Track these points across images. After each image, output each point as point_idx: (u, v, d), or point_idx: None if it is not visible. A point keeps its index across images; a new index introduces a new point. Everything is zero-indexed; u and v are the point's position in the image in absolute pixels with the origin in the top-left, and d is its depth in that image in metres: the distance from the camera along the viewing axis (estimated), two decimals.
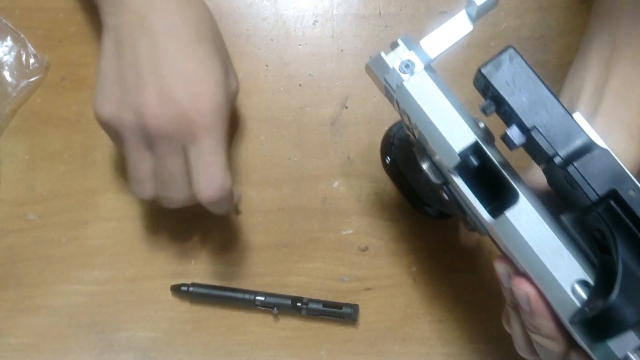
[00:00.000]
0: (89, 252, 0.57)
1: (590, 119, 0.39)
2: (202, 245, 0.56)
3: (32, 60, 0.57)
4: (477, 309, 0.55)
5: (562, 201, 0.35)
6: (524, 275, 0.36)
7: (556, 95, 0.34)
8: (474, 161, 0.36)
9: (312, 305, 0.54)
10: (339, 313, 0.54)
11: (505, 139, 0.34)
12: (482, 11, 0.36)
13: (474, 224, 0.40)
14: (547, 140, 0.33)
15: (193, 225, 0.57)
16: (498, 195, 0.37)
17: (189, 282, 0.56)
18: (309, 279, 0.56)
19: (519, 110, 0.34)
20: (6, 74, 0.57)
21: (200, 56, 0.46)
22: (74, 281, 0.56)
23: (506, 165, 0.36)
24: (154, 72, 0.45)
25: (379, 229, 0.56)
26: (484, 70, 0.34)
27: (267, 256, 0.56)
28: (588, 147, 0.33)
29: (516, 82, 0.34)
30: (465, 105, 0.55)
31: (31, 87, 0.57)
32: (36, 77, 0.57)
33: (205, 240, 0.57)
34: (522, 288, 0.36)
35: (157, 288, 0.56)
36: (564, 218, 0.35)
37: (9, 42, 0.57)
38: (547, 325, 0.35)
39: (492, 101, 0.35)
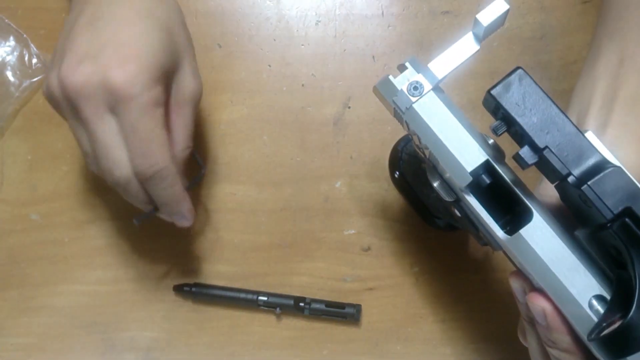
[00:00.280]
0: (91, 252, 0.57)
1: (600, 131, 0.39)
2: (205, 245, 0.56)
3: (34, 60, 0.57)
4: (480, 308, 0.55)
5: (576, 218, 0.36)
6: (539, 290, 0.36)
7: (566, 113, 0.34)
8: (486, 179, 0.37)
9: (314, 305, 0.54)
10: (342, 313, 0.54)
11: (518, 159, 0.34)
12: (489, 31, 0.36)
13: (487, 240, 0.40)
14: (560, 159, 0.33)
15: (196, 225, 0.57)
16: (510, 210, 0.37)
17: (191, 282, 0.56)
18: (311, 279, 0.56)
19: (530, 131, 0.34)
20: (9, 74, 0.57)
21: (142, 30, 0.44)
22: (76, 281, 0.56)
23: (518, 182, 0.36)
24: (84, 36, 0.43)
25: (381, 229, 0.56)
26: (493, 92, 0.34)
27: (270, 256, 0.56)
28: (601, 165, 0.33)
29: (526, 102, 0.34)
30: (468, 106, 0.56)
31: (34, 87, 0.57)
32: (39, 77, 0.57)
33: (208, 240, 0.56)
34: (538, 303, 0.36)
35: (160, 288, 0.56)
36: (578, 234, 0.35)
37: (11, 42, 0.57)
38: (564, 339, 0.35)
39: (503, 122, 0.35)
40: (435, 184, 0.41)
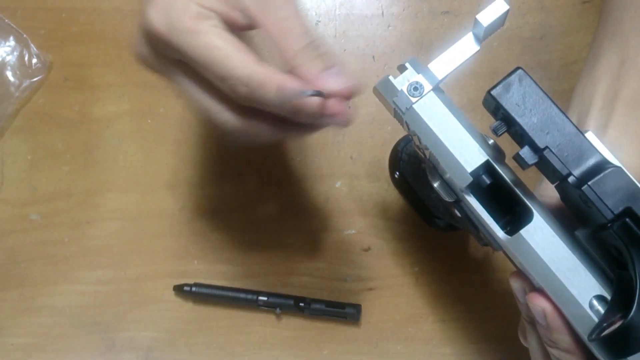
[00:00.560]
0: (91, 252, 0.57)
1: (601, 132, 0.39)
2: (205, 245, 0.56)
3: (34, 60, 0.57)
4: (480, 308, 0.55)
5: (576, 218, 0.36)
6: (540, 291, 0.36)
7: (566, 114, 0.34)
8: (486, 180, 0.37)
9: (314, 305, 0.54)
10: (342, 313, 0.54)
11: (518, 159, 0.34)
12: (489, 32, 0.36)
13: (487, 240, 0.40)
14: (560, 160, 0.33)
15: (196, 225, 0.56)
16: (510, 210, 0.37)
17: (191, 282, 0.56)
18: (311, 279, 0.56)
19: (530, 131, 0.34)
20: (9, 74, 0.57)
21: None
22: (76, 281, 0.56)
23: (518, 182, 0.37)
24: None
25: (381, 229, 0.56)
26: (493, 92, 0.34)
27: (270, 256, 0.56)
28: (601, 165, 0.33)
29: (526, 102, 0.34)
30: (468, 106, 0.56)
31: (34, 87, 0.57)
32: (39, 77, 0.57)
33: (208, 240, 0.56)
34: (538, 304, 0.36)
35: (160, 288, 0.56)
36: (578, 234, 0.35)
37: (11, 42, 0.57)
38: (565, 339, 0.35)
39: (503, 122, 0.35)
40: (435, 185, 0.41)
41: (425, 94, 0.36)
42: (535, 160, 0.34)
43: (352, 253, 0.56)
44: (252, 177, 0.57)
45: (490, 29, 0.36)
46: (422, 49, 0.57)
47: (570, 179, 0.33)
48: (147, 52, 0.38)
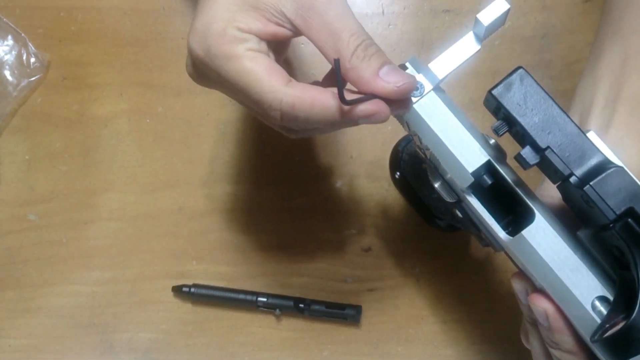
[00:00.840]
0: (89, 253, 0.56)
1: (603, 132, 0.39)
2: (204, 246, 0.56)
3: (32, 60, 0.57)
4: (481, 309, 0.55)
5: (578, 218, 0.36)
6: (542, 291, 0.36)
7: (568, 113, 0.34)
8: (487, 180, 0.37)
9: (314, 307, 0.54)
10: (342, 314, 0.54)
11: (519, 159, 0.34)
12: (490, 31, 0.36)
13: (489, 241, 0.40)
14: (562, 160, 0.33)
15: (194, 225, 0.56)
16: (512, 211, 0.37)
17: (190, 282, 0.55)
18: (311, 280, 0.56)
19: (531, 131, 0.34)
20: (7, 73, 0.57)
21: None
22: (74, 282, 0.56)
23: (520, 182, 0.36)
24: None
25: (382, 229, 0.56)
26: (495, 92, 0.34)
27: (269, 257, 0.56)
28: (603, 165, 0.33)
29: (528, 102, 0.34)
30: (469, 106, 0.55)
31: (32, 86, 0.57)
32: (37, 77, 0.57)
33: (207, 241, 0.56)
34: (540, 305, 0.35)
35: (159, 289, 0.56)
36: (580, 234, 0.35)
37: (9, 41, 0.57)
38: (567, 340, 0.35)
39: (504, 122, 0.35)
40: (436, 185, 0.40)
41: (426, 94, 0.36)
42: (537, 161, 0.34)
43: (352, 253, 0.56)
44: (252, 177, 0.57)
45: (491, 28, 0.35)
46: (423, 48, 0.57)
47: (572, 179, 0.33)
48: (194, 72, 0.40)
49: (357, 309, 0.54)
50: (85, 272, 0.56)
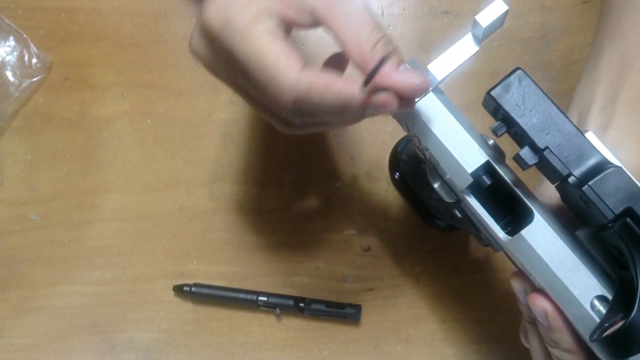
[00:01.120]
0: (90, 253, 0.56)
1: (602, 132, 0.39)
2: (205, 246, 0.56)
3: (34, 60, 0.57)
4: (481, 309, 0.55)
5: (577, 218, 0.36)
6: (541, 291, 0.36)
7: (566, 114, 0.34)
8: (487, 180, 0.37)
9: (314, 306, 0.54)
10: (342, 313, 0.54)
11: (518, 159, 0.34)
12: (488, 32, 0.36)
13: (488, 241, 0.40)
14: (560, 160, 0.33)
15: (195, 225, 0.56)
16: (511, 211, 0.37)
17: (191, 282, 0.55)
18: (311, 280, 0.56)
19: (530, 132, 0.34)
20: (9, 74, 0.57)
21: None
22: (75, 281, 0.56)
23: (518, 182, 0.36)
24: None
25: (381, 229, 0.56)
26: (493, 93, 0.34)
27: (270, 256, 0.56)
28: (601, 165, 0.33)
29: (526, 103, 0.34)
30: (468, 106, 0.56)
31: (33, 87, 0.57)
32: (38, 77, 0.57)
33: (208, 241, 0.56)
34: (539, 304, 0.36)
35: (159, 288, 0.56)
36: (579, 234, 0.35)
37: (11, 42, 0.57)
38: (566, 339, 0.35)
39: (503, 123, 0.35)
40: (435, 185, 0.41)
41: (425, 95, 0.36)
42: (536, 161, 0.34)
43: (352, 253, 0.56)
44: (252, 178, 0.57)
45: (489, 29, 0.35)
46: (422, 49, 0.57)
47: (571, 179, 0.33)
48: (203, 48, 0.38)
49: (357, 309, 0.54)
50: (87, 271, 0.56)
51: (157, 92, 0.57)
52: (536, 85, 0.34)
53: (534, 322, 0.38)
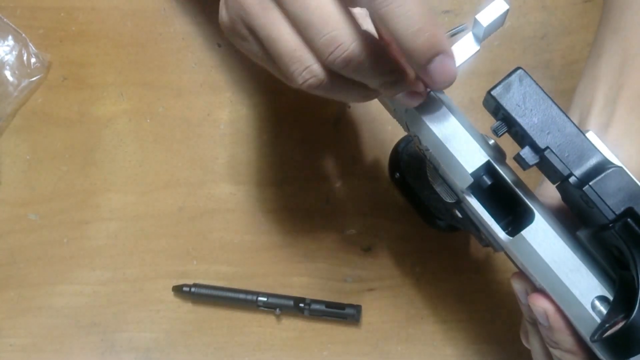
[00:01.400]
0: (90, 253, 0.56)
1: (603, 131, 0.39)
2: (204, 246, 0.56)
3: (33, 60, 0.57)
4: (481, 309, 0.55)
5: (577, 218, 0.36)
6: (541, 291, 0.36)
7: (567, 114, 0.34)
8: (487, 180, 0.37)
9: (314, 306, 0.54)
10: (342, 314, 0.54)
11: (519, 159, 0.34)
12: (489, 32, 0.36)
13: (489, 241, 0.40)
14: (561, 160, 0.33)
15: (195, 225, 0.56)
16: (512, 211, 0.37)
17: (190, 282, 0.55)
18: (311, 280, 0.56)
19: (531, 131, 0.34)
20: (7, 74, 0.57)
21: None
22: (75, 281, 0.56)
23: (519, 183, 0.36)
24: None
25: (382, 229, 0.56)
26: (494, 93, 0.34)
27: (270, 256, 0.56)
28: (602, 165, 0.33)
29: (527, 103, 0.34)
30: (469, 106, 0.56)
31: (32, 86, 0.57)
32: (37, 77, 0.57)
33: (207, 241, 0.56)
34: (540, 304, 0.35)
35: (159, 288, 0.56)
36: (580, 234, 0.35)
37: (10, 41, 0.57)
38: (567, 340, 0.35)
39: (504, 122, 0.35)
40: (436, 186, 0.41)
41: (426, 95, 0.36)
42: (536, 161, 0.34)
43: (353, 253, 0.56)
44: (252, 177, 0.57)
45: (490, 29, 0.35)
46: None
47: (572, 179, 0.33)
48: (226, 16, 0.36)
49: (357, 309, 0.54)
50: (86, 271, 0.56)
51: (156, 91, 0.57)
52: (537, 84, 0.34)
53: (534, 322, 0.38)
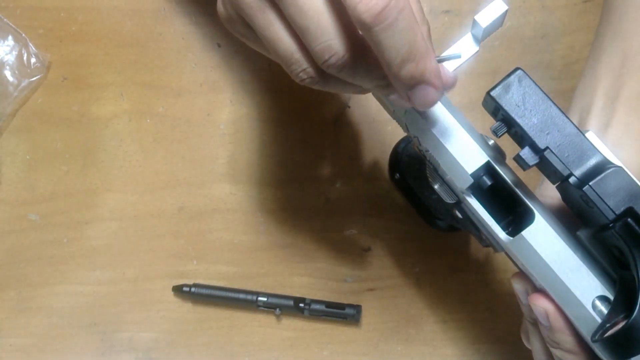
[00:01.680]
0: (90, 252, 0.56)
1: (603, 131, 0.39)
2: (204, 246, 0.56)
3: (33, 60, 0.57)
4: (481, 309, 0.55)
5: (578, 218, 0.36)
6: (542, 291, 0.36)
7: (567, 114, 0.34)
8: (487, 181, 0.37)
9: (314, 306, 0.54)
10: (342, 314, 0.54)
11: (518, 160, 0.34)
12: (488, 32, 0.36)
13: (489, 241, 0.40)
14: (560, 160, 0.33)
15: (195, 225, 0.56)
16: (512, 211, 0.37)
17: (190, 282, 0.55)
18: (311, 280, 0.56)
19: (530, 132, 0.34)
20: (7, 74, 0.57)
21: None
22: (75, 281, 0.56)
23: (519, 183, 0.36)
24: None
25: (381, 229, 0.56)
26: (493, 93, 0.34)
27: (270, 256, 0.56)
28: (602, 165, 0.33)
29: (526, 103, 0.34)
30: (469, 106, 0.56)
31: (32, 86, 0.57)
32: (37, 77, 0.57)
33: (207, 241, 0.56)
34: (541, 305, 0.36)
35: (159, 288, 0.56)
36: (580, 234, 0.35)
37: (10, 41, 0.57)
38: (568, 340, 0.35)
39: (503, 123, 0.35)
40: (436, 186, 0.41)
41: None
42: (536, 161, 0.34)
43: (352, 253, 0.56)
44: (252, 178, 0.57)
45: (489, 29, 0.35)
46: None
47: (572, 180, 0.33)
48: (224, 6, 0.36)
49: (357, 309, 0.54)
50: (86, 271, 0.56)
51: (156, 91, 0.57)
52: (536, 85, 0.34)
53: (535, 322, 0.38)
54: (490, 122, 0.36)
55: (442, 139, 0.36)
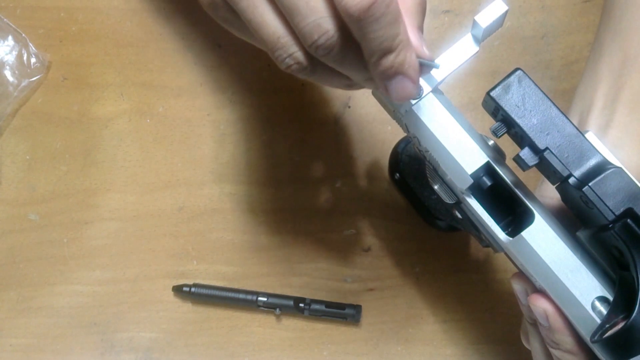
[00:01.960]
0: (90, 253, 0.56)
1: (602, 132, 0.39)
2: (204, 246, 0.56)
3: (33, 60, 0.57)
4: (481, 309, 0.55)
5: (577, 218, 0.36)
6: (541, 292, 0.36)
7: (566, 115, 0.34)
8: (487, 181, 0.37)
9: (314, 306, 0.54)
10: (342, 314, 0.54)
11: (518, 160, 0.34)
12: (488, 33, 0.36)
13: (489, 242, 0.40)
14: (560, 161, 0.34)
15: (195, 225, 0.56)
16: (512, 212, 0.37)
17: (190, 282, 0.55)
18: (311, 280, 0.56)
19: (530, 132, 0.34)
20: (7, 74, 0.57)
21: None
22: (75, 281, 0.56)
23: (519, 183, 0.36)
24: None
25: (381, 229, 0.56)
26: (493, 94, 0.34)
27: (270, 256, 0.56)
28: (602, 166, 0.33)
29: (526, 103, 0.34)
30: (469, 106, 0.56)
31: (32, 86, 0.57)
32: (37, 77, 0.57)
33: (207, 241, 0.56)
34: (540, 305, 0.36)
35: (159, 288, 0.56)
36: (580, 235, 0.35)
37: (10, 41, 0.57)
38: (567, 340, 0.35)
39: (503, 123, 0.35)
40: (436, 187, 0.41)
41: (424, 96, 0.36)
42: (536, 162, 0.34)
43: (352, 253, 0.56)
44: (252, 178, 0.57)
45: (489, 30, 0.35)
46: None
47: (571, 180, 0.33)
48: None
49: (357, 309, 0.54)
50: (86, 271, 0.56)
51: (156, 91, 0.57)
52: (536, 85, 0.34)
53: (534, 323, 0.38)
54: (490, 122, 0.36)
55: (442, 139, 0.36)
